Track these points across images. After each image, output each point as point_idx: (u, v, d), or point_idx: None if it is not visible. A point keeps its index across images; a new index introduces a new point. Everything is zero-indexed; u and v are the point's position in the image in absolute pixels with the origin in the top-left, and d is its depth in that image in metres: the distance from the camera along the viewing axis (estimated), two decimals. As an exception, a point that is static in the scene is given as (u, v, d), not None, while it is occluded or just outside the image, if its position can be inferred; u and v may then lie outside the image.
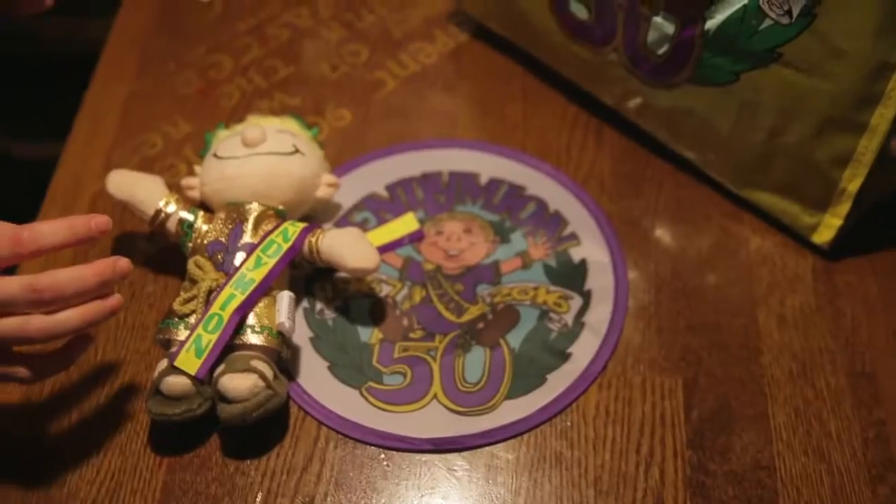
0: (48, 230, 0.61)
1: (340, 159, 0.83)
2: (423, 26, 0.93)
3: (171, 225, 0.73)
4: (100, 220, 0.63)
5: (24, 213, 0.83)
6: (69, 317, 0.61)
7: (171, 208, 0.73)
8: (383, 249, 0.76)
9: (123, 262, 0.63)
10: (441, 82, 0.89)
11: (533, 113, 0.86)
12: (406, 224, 0.78)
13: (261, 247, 0.70)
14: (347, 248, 0.71)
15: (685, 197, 0.80)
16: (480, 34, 0.91)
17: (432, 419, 0.68)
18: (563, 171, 0.82)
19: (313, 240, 0.71)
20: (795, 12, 0.66)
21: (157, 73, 0.90)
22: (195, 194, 0.76)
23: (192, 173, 0.80)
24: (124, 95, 0.89)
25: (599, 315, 0.73)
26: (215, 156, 0.75)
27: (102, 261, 0.62)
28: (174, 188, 0.75)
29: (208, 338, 0.67)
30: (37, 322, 0.60)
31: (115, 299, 0.63)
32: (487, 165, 0.82)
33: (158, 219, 0.73)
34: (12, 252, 0.60)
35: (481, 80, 0.89)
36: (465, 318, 0.74)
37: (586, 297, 0.74)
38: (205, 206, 0.76)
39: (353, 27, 0.93)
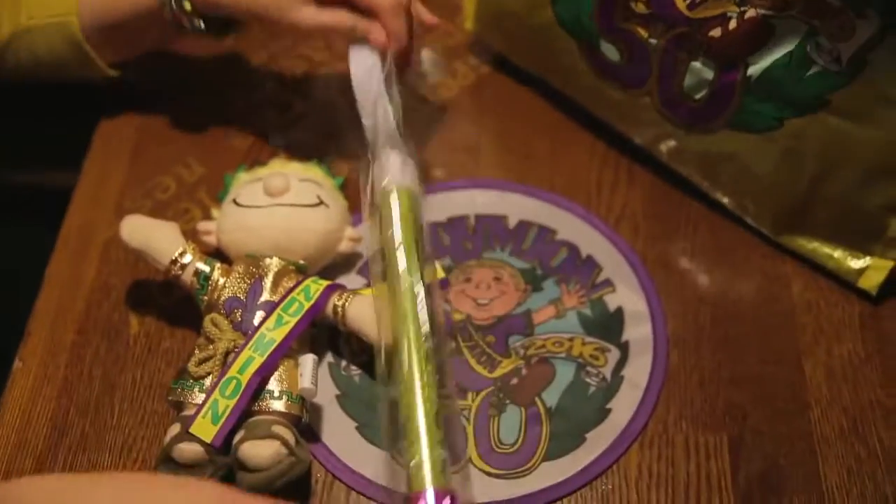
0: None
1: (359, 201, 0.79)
2: (442, 58, 0.90)
3: (187, 276, 0.70)
4: None
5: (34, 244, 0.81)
6: None
7: (188, 259, 0.69)
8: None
9: None
10: (462, 117, 0.85)
11: (560, 149, 0.83)
12: (430, 274, 0.75)
13: (281, 305, 0.67)
14: (372, 322, 0.68)
15: (723, 239, 0.77)
16: (503, 66, 0.88)
17: (468, 483, 0.65)
18: (594, 212, 0.78)
19: (339, 303, 0.68)
20: (845, 59, 0.63)
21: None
22: (211, 240, 0.73)
23: (207, 217, 0.77)
24: (134, 136, 0.85)
25: (638, 368, 0.70)
26: (235, 202, 0.72)
27: None
28: (189, 234, 0.72)
29: (225, 403, 0.64)
30: None
31: None
32: (515, 207, 0.79)
33: (173, 269, 0.69)
34: None
35: (504, 115, 0.86)
36: (499, 372, 0.70)
37: (624, 348, 0.71)
38: (220, 252, 0.72)
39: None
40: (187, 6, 0.75)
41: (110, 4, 0.76)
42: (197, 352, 0.67)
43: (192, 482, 0.57)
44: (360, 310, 0.68)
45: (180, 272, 0.69)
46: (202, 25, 0.76)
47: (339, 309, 0.68)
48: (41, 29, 0.77)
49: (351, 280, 0.74)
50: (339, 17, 0.73)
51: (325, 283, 0.69)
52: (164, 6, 0.75)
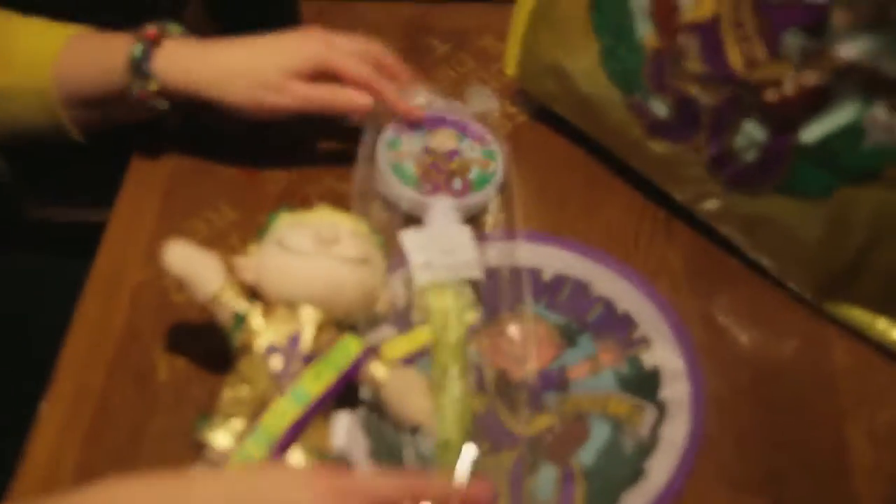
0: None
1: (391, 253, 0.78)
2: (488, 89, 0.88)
3: (224, 313, 0.68)
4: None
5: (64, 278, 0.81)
6: None
7: (227, 297, 0.68)
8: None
9: None
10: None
11: (597, 202, 0.82)
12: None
13: (320, 360, 0.66)
14: (399, 399, 0.68)
15: (763, 297, 0.76)
16: (539, 115, 0.87)
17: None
18: (630, 266, 0.77)
19: (377, 374, 0.68)
20: None
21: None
22: (248, 276, 0.71)
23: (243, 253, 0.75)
24: (166, 177, 0.85)
25: (676, 428, 0.69)
26: (280, 244, 0.71)
27: None
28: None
29: (257, 453, 0.63)
30: None
31: None
32: (550, 260, 0.78)
33: (211, 305, 0.68)
34: None
35: (541, 165, 0.85)
36: (533, 429, 0.69)
37: (661, 407, 0.70)
38: (254, 289, 0.71)
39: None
40: (153, 86, 0.77)
41: (80, 79, 0.78)
42: (228, 391, 0.65)
43: (304, 474, 0.60)
44: (389, 386, 0.68)
45: (218, 308, 0.68)
46: (165, 106, 0.79)
47: (377, 381, 0.68)
48: (19, 95, 0.78)
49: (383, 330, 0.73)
50: (314, 94, 0.78)
51: (362, 344, 0.68)
52: (129, 87, 0.77)
